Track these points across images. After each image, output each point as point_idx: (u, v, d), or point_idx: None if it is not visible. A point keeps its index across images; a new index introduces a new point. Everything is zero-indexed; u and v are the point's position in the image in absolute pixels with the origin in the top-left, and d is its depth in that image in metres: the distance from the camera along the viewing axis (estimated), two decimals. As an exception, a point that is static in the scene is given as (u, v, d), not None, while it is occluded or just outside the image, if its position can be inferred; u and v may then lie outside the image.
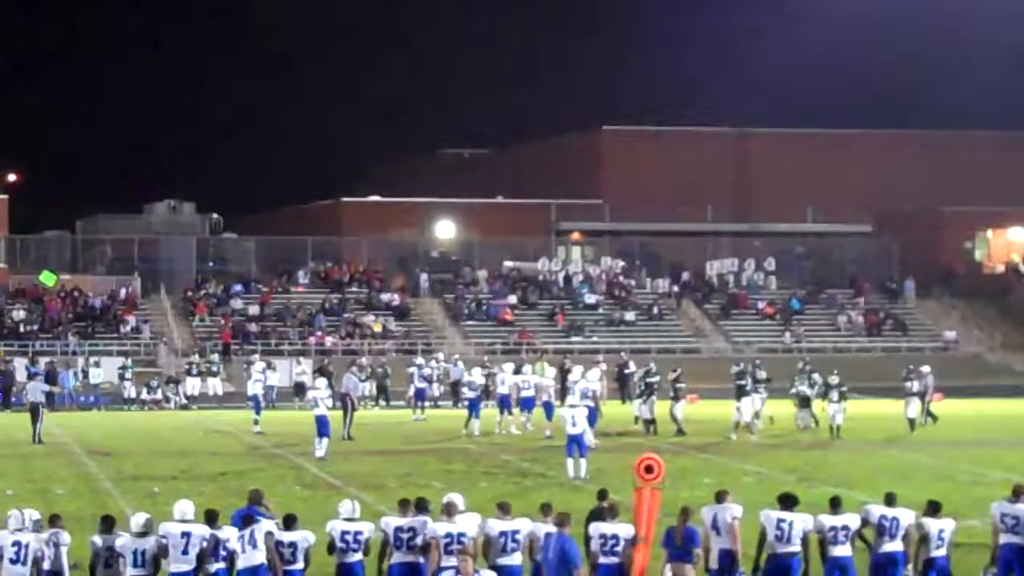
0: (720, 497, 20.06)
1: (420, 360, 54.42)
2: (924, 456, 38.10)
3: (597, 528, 19.32)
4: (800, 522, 19.44)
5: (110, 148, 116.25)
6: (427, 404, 52.32)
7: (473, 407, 45.22)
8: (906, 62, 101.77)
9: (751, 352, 70.10)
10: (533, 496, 27.81)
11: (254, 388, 47.59)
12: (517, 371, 47.48)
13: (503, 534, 19.05)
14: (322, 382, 41.35)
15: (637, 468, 20.17)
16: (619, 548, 19.12)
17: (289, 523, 19.01)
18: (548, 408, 44.48)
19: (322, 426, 38.35)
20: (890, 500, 20.17)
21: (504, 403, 46.45)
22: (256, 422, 45.96)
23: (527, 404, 45.83)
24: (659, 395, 45.41)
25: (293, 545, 18.77)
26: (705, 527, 19.81)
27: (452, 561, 18.70)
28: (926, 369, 50.20)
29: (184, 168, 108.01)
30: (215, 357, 61.68)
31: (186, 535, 18.42)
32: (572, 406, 34.40)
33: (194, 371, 59.12)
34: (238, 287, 71.46)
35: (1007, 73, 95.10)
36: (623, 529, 19.22)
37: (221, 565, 18.55)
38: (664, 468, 20.09)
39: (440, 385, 55.83)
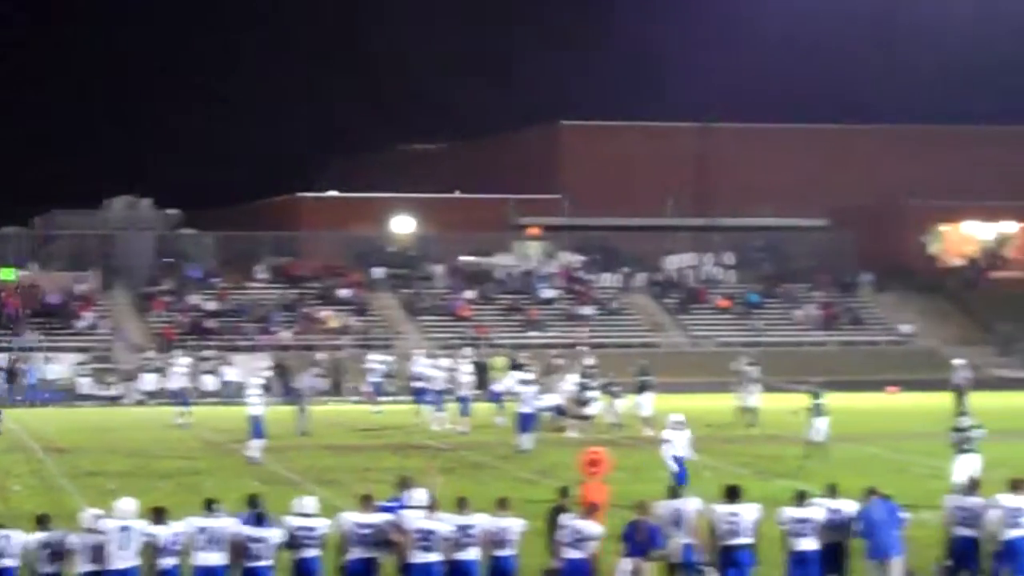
0: (675, 493, 20.08)
1: (374, 356, 54.28)
2: (880, 450, 38.24)
3: (565, 520, 19.37)
4: (749, 513, 19.49)
5: (66, 143, 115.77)
6: (386, 400, 52.37)
7: (421, 399, 45.38)
8: (863, 57, 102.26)
9: (710, 346, 70.28)
10: (490, 490, 27.78)
11: (179, 381, 48.69)
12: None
13: (459, 528, 19.05)
14: (257, 381, 41.37)
15: (582, 463, 20.26)
16: (583, 543, 19.16)
17: (260, 520, 18.97)
18: (464, 402, 44.74)
19: (257, 426, 37.53)
20: (832, 491, 20.27)
21: (495, 398, 46.82)
22: (181, 415, 46.84)
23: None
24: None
25: (263, 540, 18.81)
26: (664, 522, 19.83)
27: (428, 557, 18.87)
28: (959, 362, 50.42)
29: (142, 163, 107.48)
30: (178, 352, 61.34)
31: (125, 530, 18.40)
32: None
33: (150, 367, 58.85)
34: (197, 274, 71.36)
35: (963, 68, 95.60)
36: (589, 526, 19.27)
37: (171, 561, 18.52)
38: (608, 461, 20.17)
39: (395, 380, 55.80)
